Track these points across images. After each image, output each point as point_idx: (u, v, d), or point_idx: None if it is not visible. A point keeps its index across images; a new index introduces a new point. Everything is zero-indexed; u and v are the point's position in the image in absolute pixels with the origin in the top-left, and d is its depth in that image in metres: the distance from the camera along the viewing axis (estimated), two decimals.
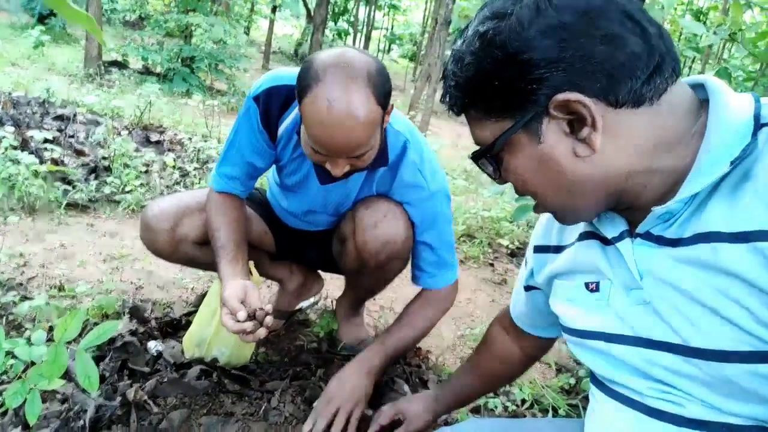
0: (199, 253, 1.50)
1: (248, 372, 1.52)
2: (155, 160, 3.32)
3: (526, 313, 1.00)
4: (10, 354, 1.13)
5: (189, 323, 1.65)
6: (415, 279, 1.49)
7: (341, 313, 1.75)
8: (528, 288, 0.96)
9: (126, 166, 3.07)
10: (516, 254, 3.32)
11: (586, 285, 0.76)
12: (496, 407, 1.56)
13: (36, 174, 2.62)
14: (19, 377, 1.12)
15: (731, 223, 0.57)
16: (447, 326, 2.14)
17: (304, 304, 1.89)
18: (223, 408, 1.39)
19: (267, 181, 1.70)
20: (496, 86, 0.63)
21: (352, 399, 1.32)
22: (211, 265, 1.42)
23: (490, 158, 0.69)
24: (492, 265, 3.11)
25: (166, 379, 1.40)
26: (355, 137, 1.08)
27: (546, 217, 0.90)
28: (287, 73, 1.32)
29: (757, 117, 0.59)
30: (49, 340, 1.17)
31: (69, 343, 1.13)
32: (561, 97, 0.59)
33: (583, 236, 0.80)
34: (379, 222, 1.34)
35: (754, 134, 0.58)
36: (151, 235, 1.46)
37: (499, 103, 0.64)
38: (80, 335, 1.48)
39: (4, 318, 1.52)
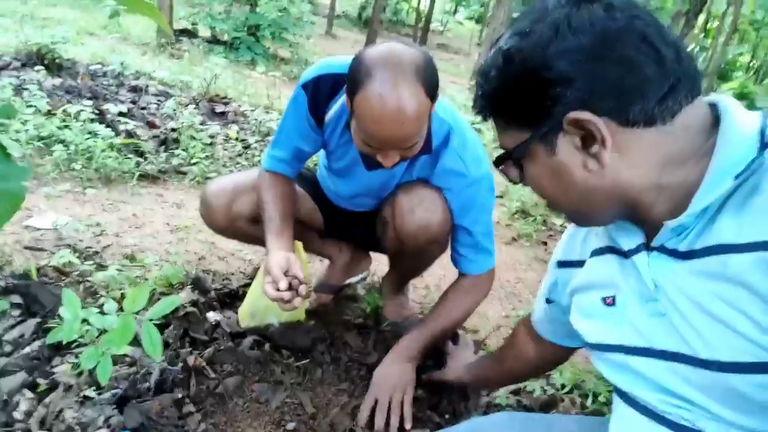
0: (253, 230, 1.59)
1: (298, 344, 1.62)
2: (219, 132, 3.46)
3: (547, 322, 1.04)
4: (85, 321, 1.27)
5: (245, 294, 1.77)
6: (453, 261, 1.54)
7: (387, 290, 1.81)
8: (549, 301, 1.00)
9: (192, 138, 3.22)
10: None
11: (603, 300, 0.79)
12: (534, 390, 1.60)
13: (112, 147, 2.81)
14: (93, 342, 1.26)
15: (739, 235, 0.59)
16: (493, 306, 2.17)
17: (352, 279, 1.97)
18: (274, 376, 1.50)
19: (318, 160, 1.76)
20: (516, 100, 0.67)
21: (399, 386, 1.40)
22: (264, 241, 1.52)
23: (512, 163, 0.74)
24: (545, 243, 3.09)
25: (222, 348, 1.52)
26: (407, 131, 1.12)
27: (569, 232, 0.94)
28: (336, 62, 1.36)
29: (762, 132, 0.61)
30: (120, 309, 1.30)
31: (137, 313, 1.26)
32: (573, 115, 0.63)
33: (600, 251, 0.82)
34: (416, 207, 1.38)
35: (761, 150, 0.60)
36: (209, 211, 1.57)
37: (518, 115, 0.69)
38: (148, 304, 1.63)
39: (82, 285, 1.68)
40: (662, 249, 0.69)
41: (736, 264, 0.59)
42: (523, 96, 0.66)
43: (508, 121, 0.71)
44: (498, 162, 0.76)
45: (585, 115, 0.62)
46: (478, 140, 1.44)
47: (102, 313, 1.29)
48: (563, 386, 1.64)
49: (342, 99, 1.36)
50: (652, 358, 0.71)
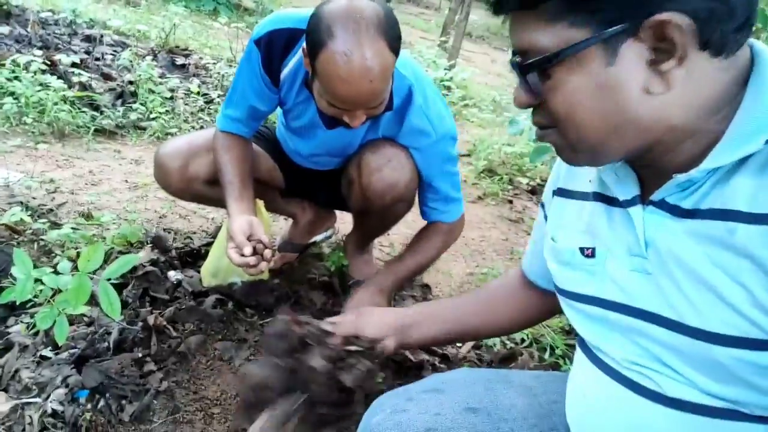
0: (210, 192, 1.55)
1: (262, 303, 1.61)
2: (180, 86, 3.34)
3: (537, 263, 0.97)
4: (39, 281, 1.23)
5: (207, 253, 1.74)
6: (423, 215, 1.55)
7: (351, 249, 1.81)
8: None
9: (151, 92, 3.10)
10: (536, 191, 3.30)
11: (582, 250, 0.75)
12: (494, 345, 1.64)
13: (65, 100, 2.68)
14: (48, 302, 1.23)
15: (754, 203, 0.55)
16: (457, 264, 2.20)
17: (317, 238, 1.96)
18: (237, 335, 1.50)
19: (277, 117, 1.72)
20: None
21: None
22: (222, 203, 1.49)
23: (540, 72, 0.59)
24: (511, 202, 3.12)
25: (184, 307, 1.51)
26: (376, 89, 1.10)
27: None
28: (290, 16, 1.31)
29: None
30: (75, 268, 1.26)
31: (93, 272, 1.23)
32: (662, 17, 0.52)
33: (584, 195, 0.78)
34: (383, 166, 1.37)
35: None
36: (164, 174, 1.52)
37: (587, 4, 0.55)
38: (105, 263, 1.59)
39: (36, 243, 1.63)
40: (661, 204, 0.64)
41: (745, 234, 0.55)
42: None
43: (567, 10, 0.56)
44: (527, 66, 0.60)
45: (681, 19, 0.51)
46: (438, 93, 1.43)
47: (56, 272, 1.26)
48: (522, 340, 1.69)
49: (298, 55, 1.31)
50: (628, 315, 0.68)
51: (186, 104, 3.26)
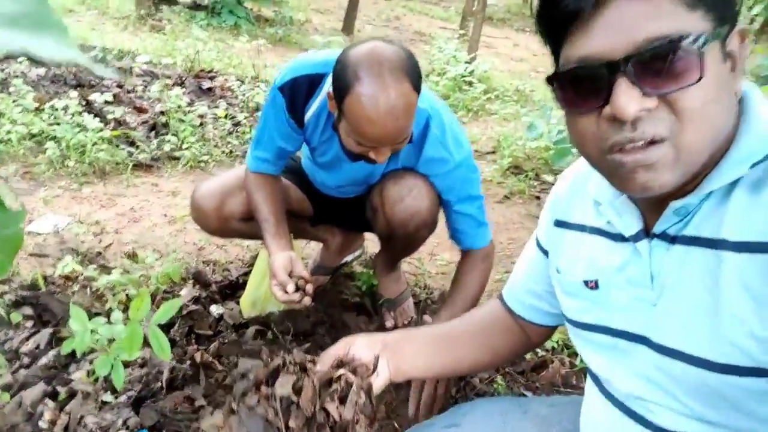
0: (245, 228, 1.65)
1: (299, 329, 1.70)
2: (208, 112, 3.47)
3: (524, 293, 0.98)
4: (95, 331, 1.35)
5: (245, 283, 1.84)
6: (454, 241, 1.60)
7: (380, 268, 1.88)
8: (543, 250, 0.93)
9: (181, 121, 3.24)
10: None
11: (585, 283, 0.78)
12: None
13: (102, 139, 2.84)
14: (104, 349, 1.34)
15: (739, 231, 0.59)
16: None
17: (347, 258, 2.04)
18: None
19: (302, 150, 1.80)
20: None
21: None
22: (259, 237, 1.58)
23: (696, 54, 0.55)
24: (538, 198, 3.12)
25: (227, 340, 1.61)
26: (401, 127, 1.17)
27: (567, 185, 0.87)
28: (309, 62, 1.39)
29: None
30: (126, 315, 1.37)
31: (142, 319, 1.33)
32: (744, 26, 0.59)
33: (582, 228, 0.81)
34: (405, 197, 1.44)
35: None
36: (201, 215, 1.62)
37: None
38: (153, 301, 1.71)
39: (88, 288, 1.76)
40: (664, 236, 0.67)
41: (733, 262, 0.59)
42: None
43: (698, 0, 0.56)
44: (674, 42, 0.55)
45: (744, 30, 0.59)
46: (454, 119, 1.49)
47: (109, 322, 1.37)
48: (553, 348, 1.73)
49: (320, 97, 1.39)
50: (632, 342, 0.72)
51: (215, 128, 3.39)
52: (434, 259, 2.25)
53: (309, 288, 1.40)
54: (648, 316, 0.70)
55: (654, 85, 0.57)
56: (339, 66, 1.17)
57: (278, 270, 1.39)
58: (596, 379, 0.83)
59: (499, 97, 5.07)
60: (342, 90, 1.15)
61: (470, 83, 5.06)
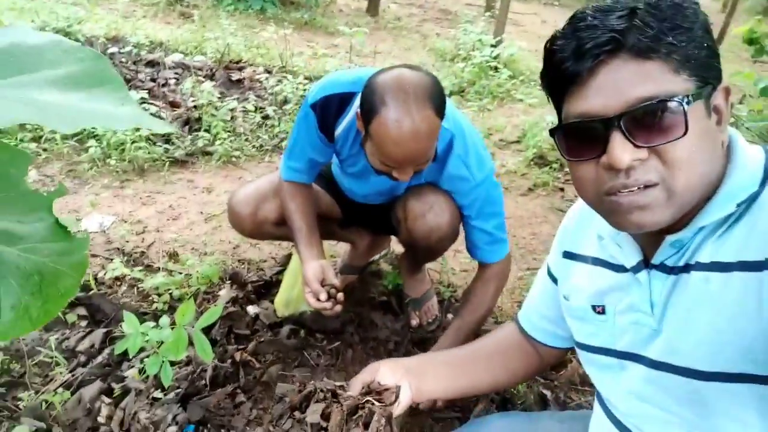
0: (279, 231, 1.76)
1: (330, 328, 1.81)
2: (238, 106, 3.57)
3: (538, 317, 1.07)
4: (145, 334, 1.48)
5: (278, 281, 1.96)
6: (470, 253, 1.66)
7: (404, 269, 1.97)
8: (552, 278, 1.01)
9: (213, 116, 3.35)
10: None
11: (593, 308, 0.86)
12: None
13: (140, 137, 2.97)
14: (153, 350, 1.47)
15: (723, 254, 0.67)
16: None
17: (374, 257, 2.14)
18: (310, 360, 1.71)
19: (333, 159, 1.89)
20: (705, 47, 0.64)
21: None
22: (291, 240, 1.69)
23: (679, 112, 0.63)
24: (562, 190, 3.16)
25: (263, 339, 1.73)
26: (423, 150, 1.26)
27: (575, 219, 0.96)
28: (340, 81, 1.47)
29: (767, 168, 0.69)
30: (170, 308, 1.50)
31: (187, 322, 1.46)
32: (727, 83, 0.68)
33: (585, 258, 0.90)
34: (426, 212, 1.52)
35: (763, 183, 0.67)
36: (237, 219, 1.73)
37: (695, 63, 0.64)
38: (195, 301, 1.84)
39: (135, 288, 1.90)
40: (662, 267, 0.74)
41: (720, 282, 0.67)
42: (710, 45, 0.65)
43: (682, 66, 0.63)
44: (661, 110, 0.63)
45: (728, 87, 0.68)
46: (478, 138, 1.54)
47: (158, 325, 1.50)
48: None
49: (350, 114, 1.48)
50: (629, 361, 0.80)
51: (245, 121, 3.49)
52: (458, 255, 2.32)
53: (340, 296, 1.51)
54: (648, 339, 0.78)
55: (644, 139, 0.64)
56: (367, 90, 1.25)
57: (311, 279, 1.50)
58: (600, 398, 0.91)
59: (525, 82, 5.05)
60: (369, 113, 1.23)
61: (495, 68, 5.05)
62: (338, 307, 1.51)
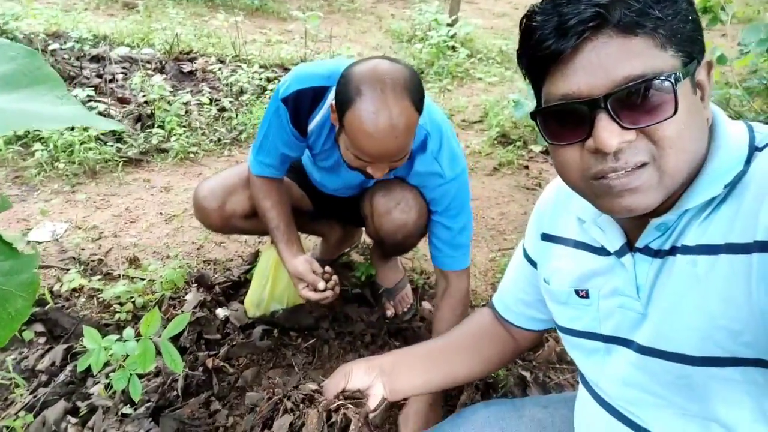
0: (247, 225, 1.69)
1: (303, 325, 1.76)
2: (192, 99, 3.44)
3: (513, 301, 1.04)
4: (108, 348, 1.40)
5: (247, 281, 1.90)
6: (433, 259, 1.59)
7: (376, 259, 1.93)
8: (531, 261, 0.98)
9: (166, 111, 3.21)
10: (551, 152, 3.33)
11: (576, 292, 0.84)
12: None
13: (89, 137, 2.82)
14: (119, 363, 1.40)
15: (709, 236, 0.65)
16: (479, 249, 2.30)
17: (346, 249, 2.09)
18: (286, 360, 1.66)
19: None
20: (690, 20, 0.62)
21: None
22: (260, 233, 1.63)
23: (669, 90, 0.60)
24: (527, 167, 3.17)
25: (235, 343, 1.67)
26: (400, 144, 1.19)
27: (551, 201, 0.92)
28: (312, 74, 1.40)
29: (751, 146, 0.66)
30: (134, 318, 1.42)
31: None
32: (710, 58, 0.65)
33: (568, 242, 0.87)
34: (393, 209, 1.48)
35: (747, 161, 0.65)
36: (204, 215, 1.66)
37: (680, 38, 0.61)
38: (159, 308, 1.76)
39: (95, 299, 1.80)
40: (646, 250, 0.72)
41: (705, 264, 0.65)
42: (695, 20, 0.63)
43: (668, 41, 0.60)
44: (648, 89, 0.60)
45: (711, 62, 0.65)
46: (453, 137, 1.48)
47: (121, 338, 1.42)
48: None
49: (324, 109, 1.41)
50: (617, 345, 0.78)
51: (200, 115, 3.37)
52: None
53: (335, 279, 1.48)
54: (635, 323, 0.76)
55: (632, 119, 0.61)
56: (342, 80, 1.19)
57: (305, 273, 1.46)
58: (586, 382, 0.89)
59: (483, 61, 5.04)
60: (344, 104, 1.17)
61: (453, 48, 5.01)
62: (337, 289, 1.49)
